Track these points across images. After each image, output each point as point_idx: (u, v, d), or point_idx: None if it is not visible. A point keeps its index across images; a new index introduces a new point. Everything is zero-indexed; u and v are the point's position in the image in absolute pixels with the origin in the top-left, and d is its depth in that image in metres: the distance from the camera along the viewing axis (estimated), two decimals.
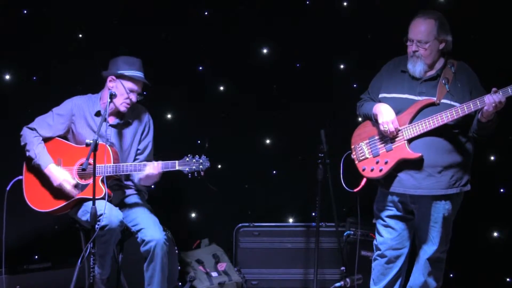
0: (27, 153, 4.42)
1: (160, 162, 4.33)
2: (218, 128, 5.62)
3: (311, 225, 5.34)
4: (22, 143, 4.46)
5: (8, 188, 4.48)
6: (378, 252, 4.40)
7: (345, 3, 5.62)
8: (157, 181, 4.41)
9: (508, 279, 5.39)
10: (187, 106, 5.62)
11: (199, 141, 5.56)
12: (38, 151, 4.39)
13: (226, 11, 5.57)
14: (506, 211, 5.36)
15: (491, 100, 3.91)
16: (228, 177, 5.62)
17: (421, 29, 4.14)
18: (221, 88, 5.71)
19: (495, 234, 5.48)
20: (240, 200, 5.71)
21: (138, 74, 4.45)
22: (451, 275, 5.30)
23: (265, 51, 5.68)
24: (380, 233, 4.39)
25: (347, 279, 4.80)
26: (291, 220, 5.68)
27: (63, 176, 4.36)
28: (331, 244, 5.22)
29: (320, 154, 4.80)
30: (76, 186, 4.36)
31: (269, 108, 5.70)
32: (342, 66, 5.63)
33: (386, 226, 4.36)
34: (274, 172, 5.76)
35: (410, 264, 4.42)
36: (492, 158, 5.47)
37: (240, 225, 5.45)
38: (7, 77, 5.30)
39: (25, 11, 5.27)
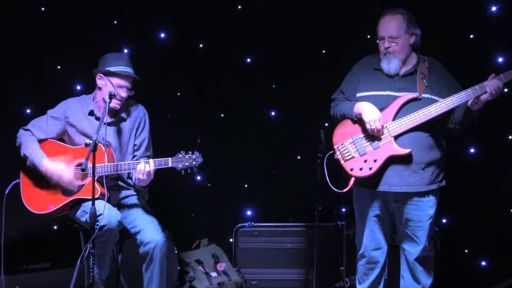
0: (22, 152, 4.41)
1: (153, 160, 4.29)
2: (218, 128, 5.62)
3: (311, 225, 5.33)
4: (17, 144, 4.46)
5: (6, 192, 4.47)
6: (359, 252, 4.38)
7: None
8: (151, 180, 4.34)
9: None
10: (186, 106, 5.62)
11: (198, 140, 5.56)
12: (31, 149, 4.38)
13: (226, 10, 5.56)
14: (506, 210, 5.35)
15: (492, 85, 3.91)
16: (228, 177, 5.61)
17: (391, 25, 4.16)
18: (221, 87, 5.71)
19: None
20: (240, 200, 5.71)
21: (125, 69, 4.40)
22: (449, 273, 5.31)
23: (264, 50, 5.67)
24: (359, 233, 4.36)
25: (347, 279, 4.79)
26: (291, 220, 5.67)
27: (60, 167, 4.33)
28: (331, 244, 5.21)
29: (320, 154, 4.79)
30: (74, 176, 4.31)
31: (269, 107, 5.69)
32: None
33: (364, 226, 4.31)
34: (274, 172, 5.76)
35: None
36: (491, 157, 5.47)
37: (239, 225, 5.44)
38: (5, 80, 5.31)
39: (24, 11, 5.27)
